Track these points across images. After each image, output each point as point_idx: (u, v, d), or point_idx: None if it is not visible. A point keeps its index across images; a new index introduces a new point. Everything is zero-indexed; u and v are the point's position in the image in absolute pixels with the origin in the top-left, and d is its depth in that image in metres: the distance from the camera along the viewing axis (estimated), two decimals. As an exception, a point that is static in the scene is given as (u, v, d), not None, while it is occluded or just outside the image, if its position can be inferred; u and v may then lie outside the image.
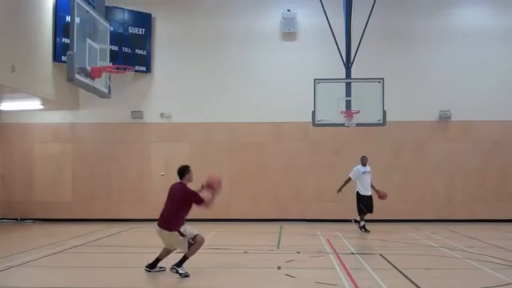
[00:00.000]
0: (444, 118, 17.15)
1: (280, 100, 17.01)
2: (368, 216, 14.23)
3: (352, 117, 14.19)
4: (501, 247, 11.24)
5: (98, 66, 10.78)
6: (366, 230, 14.01)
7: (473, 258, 9.71)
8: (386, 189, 14.47)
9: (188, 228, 8.43)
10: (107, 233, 13.78)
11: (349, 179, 14.25)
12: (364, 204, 14.06)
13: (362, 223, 14.15)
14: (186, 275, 8.17)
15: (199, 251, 8.47)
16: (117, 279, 8.23)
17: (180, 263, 8.29)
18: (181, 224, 8.38)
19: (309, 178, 17.15)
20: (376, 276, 8.11)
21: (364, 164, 14.31)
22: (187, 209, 8.46)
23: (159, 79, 17.54)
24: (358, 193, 14.20)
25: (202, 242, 8.47)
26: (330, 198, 16.92)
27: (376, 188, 14.19)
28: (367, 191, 14.14)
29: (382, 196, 14.13)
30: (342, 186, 14.25)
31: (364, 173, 14.20)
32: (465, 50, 17.31)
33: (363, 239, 13.20)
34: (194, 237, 8.41)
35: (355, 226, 14.17)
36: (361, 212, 14.14)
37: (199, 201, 8.35)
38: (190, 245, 8.31)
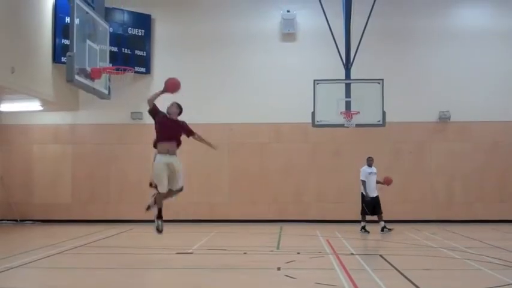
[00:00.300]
0: (444, 119, 17.14)
1: (280, 101, 17.01)
2: (370, 217, 14.20)
3: (351, 118, 14.20)
4: (501, 247, 11.23)
5: (98, 67, 10.78)
6: (366, 231, 13.99)
7: (474, 259, 9.69)
8: (387, 190, 14.49)
9: (162, 168, 8.77)
10: (107, 234, 13.78)
11: (364, 182, 14.11)
12: (368, 206, 14.01)
13: (363, 223, 14.13)
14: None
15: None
16: (116, 280, 8.21)
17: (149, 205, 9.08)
18: (157, 142, 8.88)
19: (309, 179, 17.14)
20: (376, 277, 8.10)
21: (370, 165, 14.26)
22: (156, 126, 8.94)
23: (159, 80, 17.24)
24: (362, 194, 14.17)
25: (156, 200, 8.97)
26: (330, 199, 16.97)
27: (380, 180, 14.23)
28: (372, 193, 14.09)
29: (387, 182, 14.16)
30: (365, 191, 14.10)
31: (370, 173, 14.15)
32: (465, 50, 17.32)
33: (363, 240, 13.19)
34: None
35: (363, 232, 14.04)
36: (364, 213, 14.10)
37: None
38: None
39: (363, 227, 14.10)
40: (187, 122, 9.34)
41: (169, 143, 8.90)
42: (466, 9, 17.63)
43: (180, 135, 9.11)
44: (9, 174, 17.43)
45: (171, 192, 8.99)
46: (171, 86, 8.85)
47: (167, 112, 9.01)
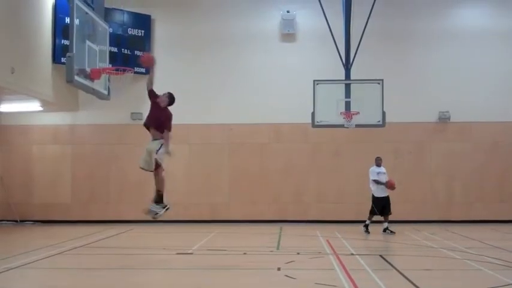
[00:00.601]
0: (443, 119, 17.14)
1: (280, 101, 17.00)
2: (374, 218, 14.15)
3: (351, 118, 14.20)
4: (501, 248, 11.22)
5: (97, 67, 10.79)
6: (367, 231, 13.98)
7: (474, 259, 9.69)
8: (387, 190, 14.44)
9: (144, 152, 9.48)
10: (107, 235, 13.77)
11: (376, 181, 14.01)
12: (377, 206, 13.96)
13: (368, 222, 14.08)
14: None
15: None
16: (116, 280, 8.21)
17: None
18: (147, 124, 9.38)
19: (309, 179, 17.13)
20: (376, 277, 8.10)
21: (378, 165, 14.21)
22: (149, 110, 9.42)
23: (158, 80, 17.35)
24: (372, 195, 14.11)
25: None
26: (330, 200, 16.96)
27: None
28: (382, 193, 14.02)
29: (390, 186, 13.95)
30: (384, 184, 13.99)
31: (379, 173, 14.09)
32: (465, 50, 17.32)
33: (363, 240, 13.18)
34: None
35: (365, 231, 14.04)
36: (372, 212, 14.05)
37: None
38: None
39: (366, 225, 14.06)
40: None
41: (153, 129, 9.37)
42: (466, 9, 17.63)
43: (163, 125, 9.29)
44: (9, 174, 17.42)
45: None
46: (146, 60, 9.83)
47: (158, 99, 9.36)
